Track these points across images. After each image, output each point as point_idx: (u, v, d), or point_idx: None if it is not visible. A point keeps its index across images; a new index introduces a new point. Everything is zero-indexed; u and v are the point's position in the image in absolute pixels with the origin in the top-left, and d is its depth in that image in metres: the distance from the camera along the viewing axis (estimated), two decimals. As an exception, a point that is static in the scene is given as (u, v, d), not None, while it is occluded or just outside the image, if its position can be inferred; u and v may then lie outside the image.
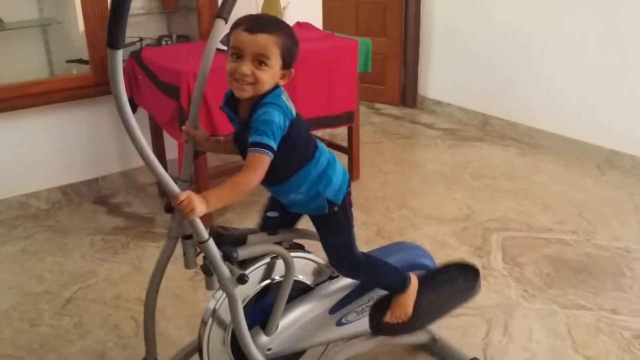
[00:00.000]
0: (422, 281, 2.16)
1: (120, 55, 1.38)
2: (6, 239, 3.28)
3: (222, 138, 2.01)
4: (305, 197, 1.88)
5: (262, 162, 1.64)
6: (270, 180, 1.78)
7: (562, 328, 2.52)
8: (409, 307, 2.11)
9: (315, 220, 1.96)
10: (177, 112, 3.04)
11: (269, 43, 1.68)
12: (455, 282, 2.25)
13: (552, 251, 3.08)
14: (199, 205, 1.53)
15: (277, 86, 1.76)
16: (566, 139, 4.35)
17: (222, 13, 1.82)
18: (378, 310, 2.14)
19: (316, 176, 1.85)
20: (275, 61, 1.71)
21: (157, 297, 2.00)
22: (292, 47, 1.74)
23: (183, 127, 1.90)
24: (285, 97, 1.75)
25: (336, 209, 1.90)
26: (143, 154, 1.48)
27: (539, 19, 4.37)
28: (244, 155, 1.76)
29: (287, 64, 1.74)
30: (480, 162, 4.22)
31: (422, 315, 2.16)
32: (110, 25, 1.34)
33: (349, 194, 1.95)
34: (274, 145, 1.66)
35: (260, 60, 1.68)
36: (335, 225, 1.94)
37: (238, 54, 1.70)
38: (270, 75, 1.71)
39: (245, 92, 1.71)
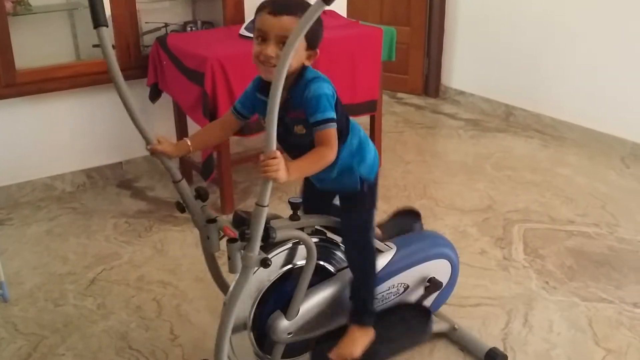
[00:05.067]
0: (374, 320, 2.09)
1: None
2: (31, 220, 3.33)
3: (189, 142, 1.94)
4: (339, 173, 1.90)
5: (333, 135, 1.73)
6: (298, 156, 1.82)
7: (583, 320, 2.51)
8: (358, 350, 2.01)
9: (342, 196, 1.99)
10: (201, 98, 3.06)
11: (293, 24, 1.68)
12: (406, 323, 2.22)
13: (574, 243, 3.07)
14: (283, 171, 1.58)
15: (305, 67, 1.79)
16: (590, 131, 4.31)
17: None
18: (321, 344, 2.08)
19: (350, 152, 1.89)
20: (300, 42, 1.72)
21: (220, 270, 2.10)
22: (316, 28, 1.75)
23: (148, 148, 1.89)
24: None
25: (366, 187, 1.94)
26: None
27: (565, 9, 4.32)
28: (284, 139, 1.83)
29: (311, 44, 1.77)
30: (503, 153, 4.20)
31: (368, 356, 2.06)
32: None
33: (377, 175, 1.98)
34: (334, 115, 1.73)
35: (284, 42, 1.66)
36: (361, 203, 1.97)
37: (263, 37, 1.73)
38: (296, 57, 1.74)
39: (271, 74, 1.70)
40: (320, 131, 1.72)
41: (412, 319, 2.24)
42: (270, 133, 1.55)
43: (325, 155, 1.72)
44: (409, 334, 2.24)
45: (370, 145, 1.97)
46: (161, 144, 1.88)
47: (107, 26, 1.70)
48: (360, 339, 2.03)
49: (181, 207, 1.95)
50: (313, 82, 1.75)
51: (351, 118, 1.95)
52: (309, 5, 1.79)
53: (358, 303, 2.06)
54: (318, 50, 1.80)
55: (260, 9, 1.76)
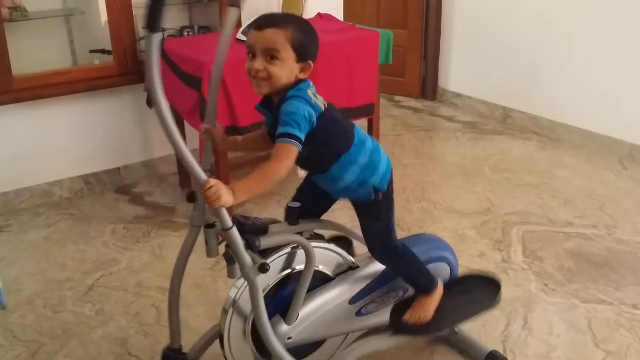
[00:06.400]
0: (445, 287, 2.18)
1: (157, 38, 1.42)
2: (29, 227, 3.32)
3: (239, 138, 2.02)
4: (353, 185, 1.91)
5: (288, 151, 1.67)
6: (311, 170, 1.94)
7: (583, 322, 2.50)
8: (430, 311, 2.13)
9: (357, 205, 1.99)
10: (198, 103, 3.06)
11: (277, 37, 1.71)
12: (476, 292, 2.27)
13: (573, 245, 3.07)
14: (226, 195, 1.55)
15: (300, 80, 1.78)
16: (588, 133, 4.32)
17: (234, 1, 1.84)
18: (399, 310, 2.16)
19: (362, 165, 1.89)
20: (287, 54, 1.72)
21: (181, 285, 2.02)
22: (304, 40, 1.75)
23: (203, 124, 1.93)
24: (312, 91, 1.78)
25: (381, 195, 1.94)
26: (172, 139, 1.49)
27: (561, 12, 4.33)
28: None
29: (301, 56, 1.75)
30: (501, 156, 4.20)
31: (441, 320, 2.16)
32: (148, 8, 1.40)
33: (391, 180, 1.99)
34: (301, 135, 1.69)
35: (271, 55, 1.72)
36: (376, 212, 1.97)
37: (252, 52, 1.75)
38: (285, 69, 1.73)
39: (262, 88, 1.76)
40: (278, 144, 1.69)
41: (481, 289, 2.29)
42: (193, 167, 1.55)
43: (274, 171, 1.66)
44: (478, 303, 2.27)
45: (382, 154, 1.96)
46: (216, 129, 1.93)
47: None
48: (430, 303, 2.13)
49: (192, 197, 1.91)
50: (289, 99, 1.74)
51: (362, 131, 1.95)
52: (294, 18, 1.81)
53: (414, 283, 2.14)
54: (311, 63, 1.78)
55: (249, 27, 1.80)
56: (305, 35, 1.76)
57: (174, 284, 2.01)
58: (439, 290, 2.15)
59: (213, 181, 1.54)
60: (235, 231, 1.67)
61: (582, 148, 4.28)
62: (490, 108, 4.96)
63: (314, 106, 1.75)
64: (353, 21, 3.99)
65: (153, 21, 1.40)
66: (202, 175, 1.56)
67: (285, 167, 1.67)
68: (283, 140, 1.67)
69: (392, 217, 2.02)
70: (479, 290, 2.28)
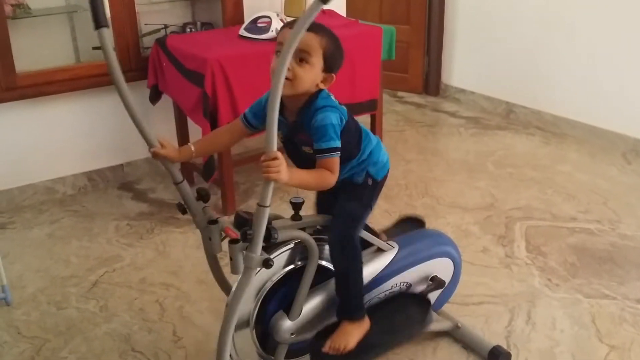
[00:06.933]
0: (370, 311, 2.06)
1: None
2: (33, 224, 3.32)
3: (193, 147, 1.98)
4: (352, 171, 1.98)
5: (335, 163, 1.79)
6: None
7: (586, 317, 2.50)
8: (353, 340, 1.98)
9: (344, 185, 1.99)
10: (201, 99, 3.06)
11: (311, 41, 1.74)
12: (404, 312, 2.17)
13: (577, 240, 3.06)
14: (285, 172, 1.60)
15: (320, 90, 1.82)
16: (591, 128, 4.31)
17: None
18: (319, 340, 2.02)
19: (362, 160, 1.97)
20: (317, 60, 1.77)
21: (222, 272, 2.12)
22: (335, 52, 1.80)
23: (150, 151, 1.89)
24: (332, 97, 1.85)
25: (370, 182, 1.99)
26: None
27: (564, 6, 4.32)
28: (294, 155, 1.91)
29: (328, 66, 1.80)
30: (504, 151, 4.20)
31: (365, 350, 2.04)
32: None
33: (385, 177, 2.04)
34: (339, 144, 1.78)
35: (302, 57, 1.74)
36: (360, 194, 2.00)
37: (280, 50, 1.73)
38: (310, 75, 1.77)
39: (287, 89, 1.75)
40: (322, 159, 1.78)
41: (410, 309, 2.19)
42: (270, 134, 1.55)
43: (327, 179, 1.79)
44: (408, 324, 2.19)
45: (383, 151, 2.04)
46: (164, 148, 1.89)
47: (108, 27, 1.71)
48: (353, 332, 1.99)
49: (182, 209, 1.96)
50: (321, 111, 1.78)
51: (365, 128, 2.01)
52: (327, 29, 1.86)
53: (344, 299, 2.00)
54: (335, 75, 1.83)
55: (283, 26, 1.82)
56: (336, 48, 1.82)
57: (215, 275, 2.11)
58: (365, 323, 2.01)
59: (279, 154, 1.58)
60: (268, 210, 1.66)
61: (586, 143, 4.27)
62: (493, 103, 4.95)
63: (341, 110, 1.83)
64: (356, 17, 3.99)
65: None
66: (274, 145, 1.57)
67: (336, 177, 1.80)
68: (329, 155, 1.77)
69: (367, 211, 2.02)
70: (408, 311, 2.17)
